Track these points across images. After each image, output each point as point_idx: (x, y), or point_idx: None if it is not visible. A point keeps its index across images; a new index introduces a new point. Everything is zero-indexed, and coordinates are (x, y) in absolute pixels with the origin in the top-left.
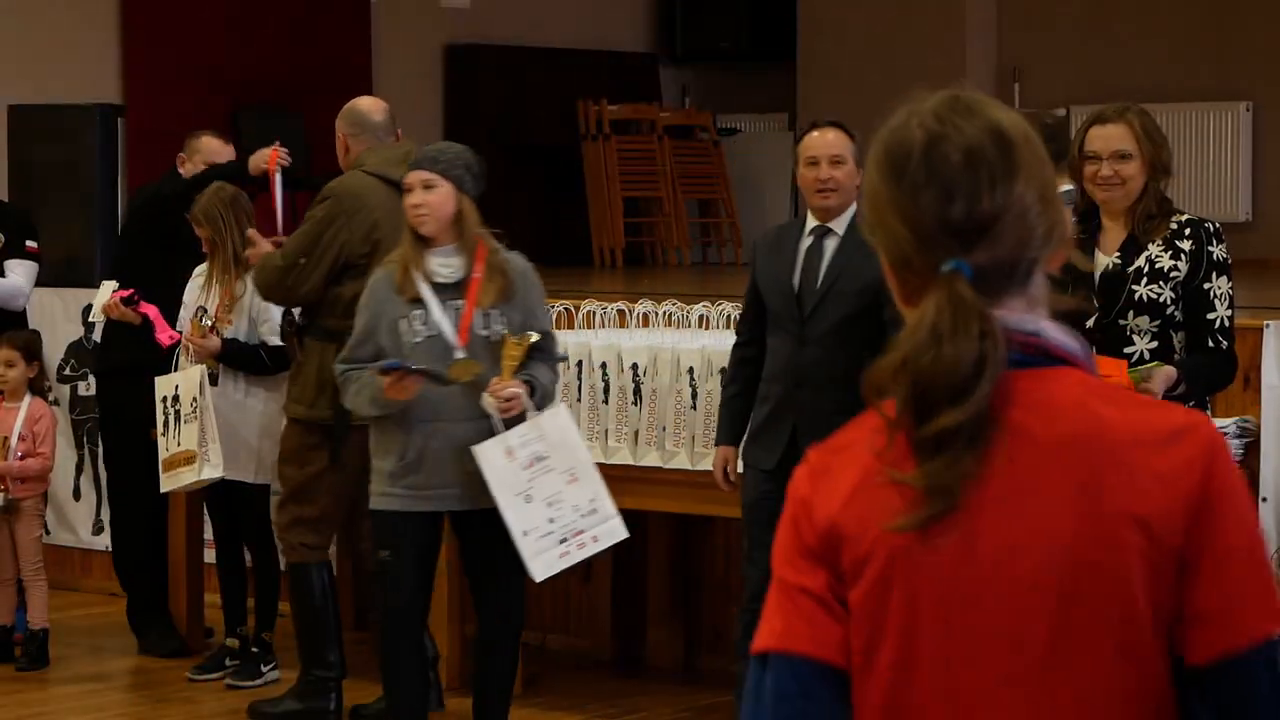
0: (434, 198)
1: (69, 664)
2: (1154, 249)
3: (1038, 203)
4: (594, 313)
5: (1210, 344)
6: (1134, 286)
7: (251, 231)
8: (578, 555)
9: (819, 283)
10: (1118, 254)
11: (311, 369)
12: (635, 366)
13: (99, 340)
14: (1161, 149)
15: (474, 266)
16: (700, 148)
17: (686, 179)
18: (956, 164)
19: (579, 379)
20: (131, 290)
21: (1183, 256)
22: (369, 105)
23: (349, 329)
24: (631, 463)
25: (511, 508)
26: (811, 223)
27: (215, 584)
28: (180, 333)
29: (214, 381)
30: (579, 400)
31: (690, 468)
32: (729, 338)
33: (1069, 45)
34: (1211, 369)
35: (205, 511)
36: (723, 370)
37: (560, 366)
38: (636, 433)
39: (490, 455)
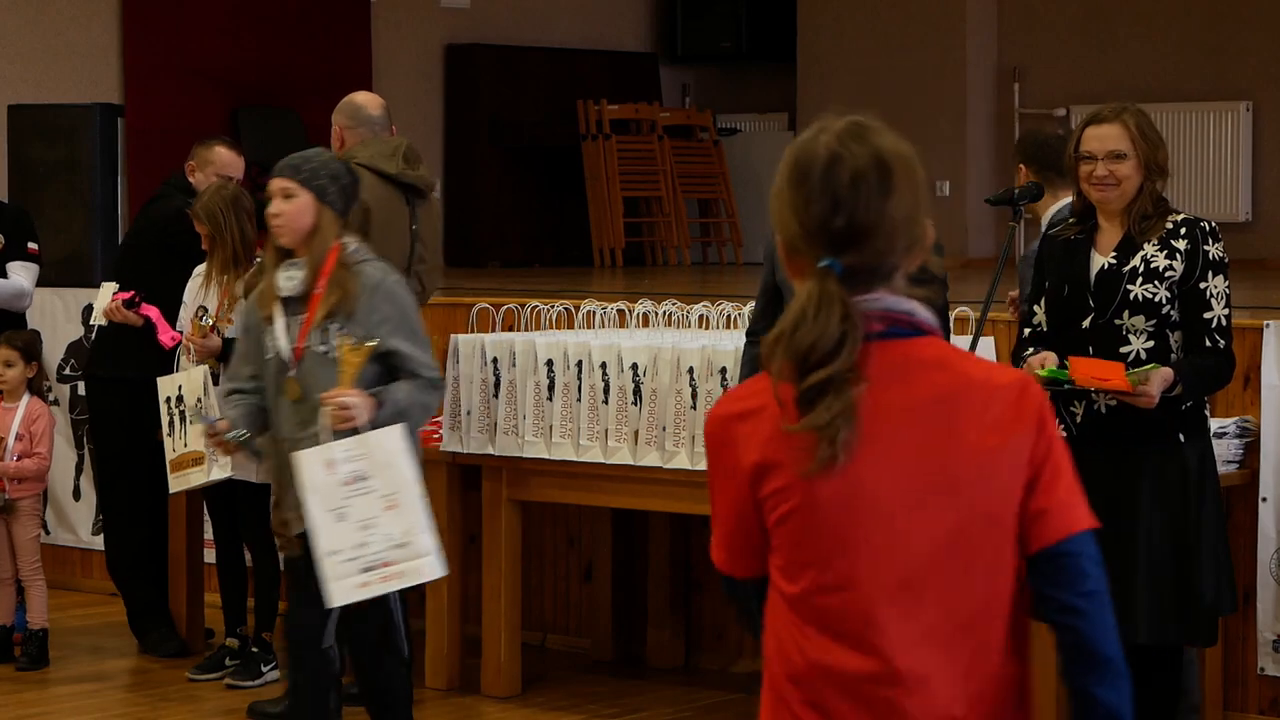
0: (291, 208)
1: (69, 664)
2: (1149, 248)
3: (904, 220)
4: (594, 313)
5: (1208, 344)
6: (1129, 286)
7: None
8: (380, 588)
9: None
10: (1113, 254)
11: None
12: (635, 366)
13: (89, 344)
14: (1157, 149)
15: (317, 280)
16: (700, 148)
17: (686, 179)
18: (845, 183)
19: (579, 379)
20: (132, 293)
21: (1178, 256)
22: (366, 99)
23: None
24: (631, 463)
25: (322, 524)
26: None
27: (215, 584)
28: (181, 333)
29: (215, 381)
30: (579, 400)
31: (690, 468)
32: (729, 338)
33: (1069, 45)
34: (1209, 369)
35: (205, 511)
36: (723, 370)
37: (435, 393)
38: (636, 433)
39: (309, 464)
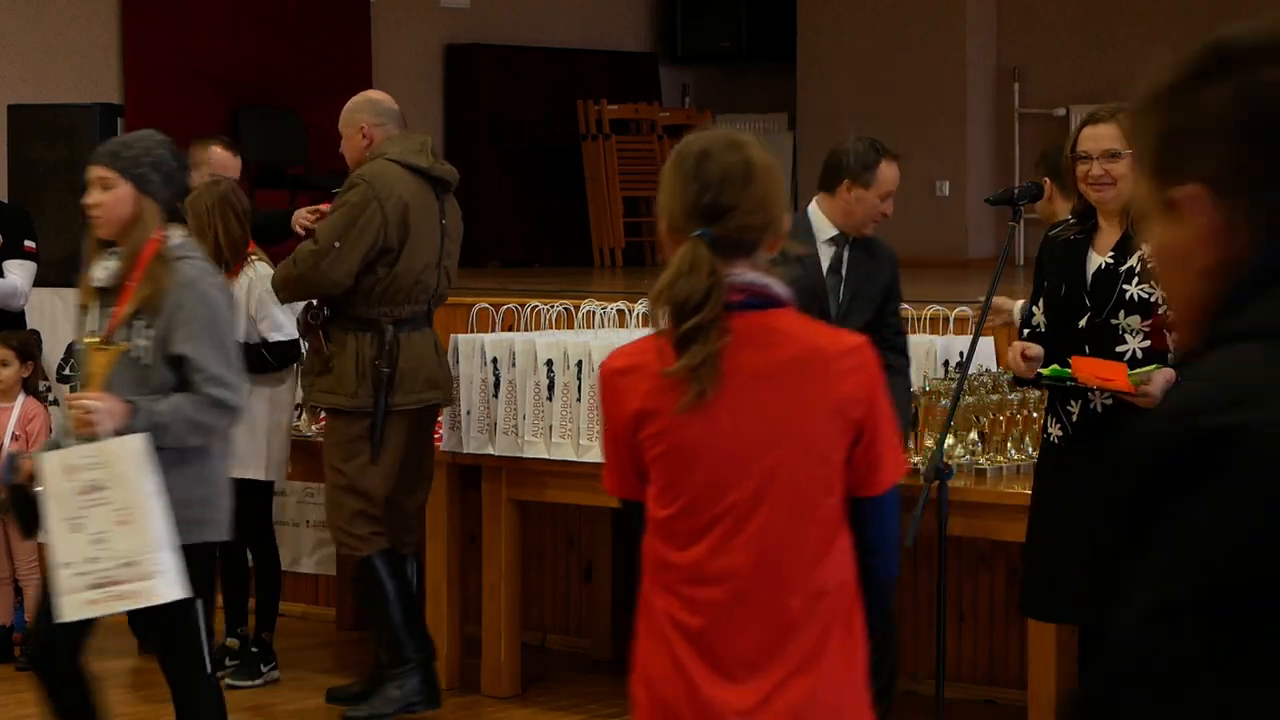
0: (109, 198)
1: None
2: (1147, 249)
3: (760, 204)
4: (594, 313)
5: None
6: (1125, 286)
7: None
8: (111, 607)
9: (842, 288)
10: (1111, 253)
11: (348, 358)
12: None
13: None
14: None
15: (131, 273)
16: None
17: None
18: (714, 172)
19: (579, 379)
20: None
21: None
22: (383, 96)
23: (383, 316)
24: None
25: (58, 533)
26: (829, 232)
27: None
28: None
29: None
30: (579, 400)
31: None
32: None
33: (1069, 45)
34: None
35: None
36: None
37: (216, 412)
38: None
39: (50, 468)
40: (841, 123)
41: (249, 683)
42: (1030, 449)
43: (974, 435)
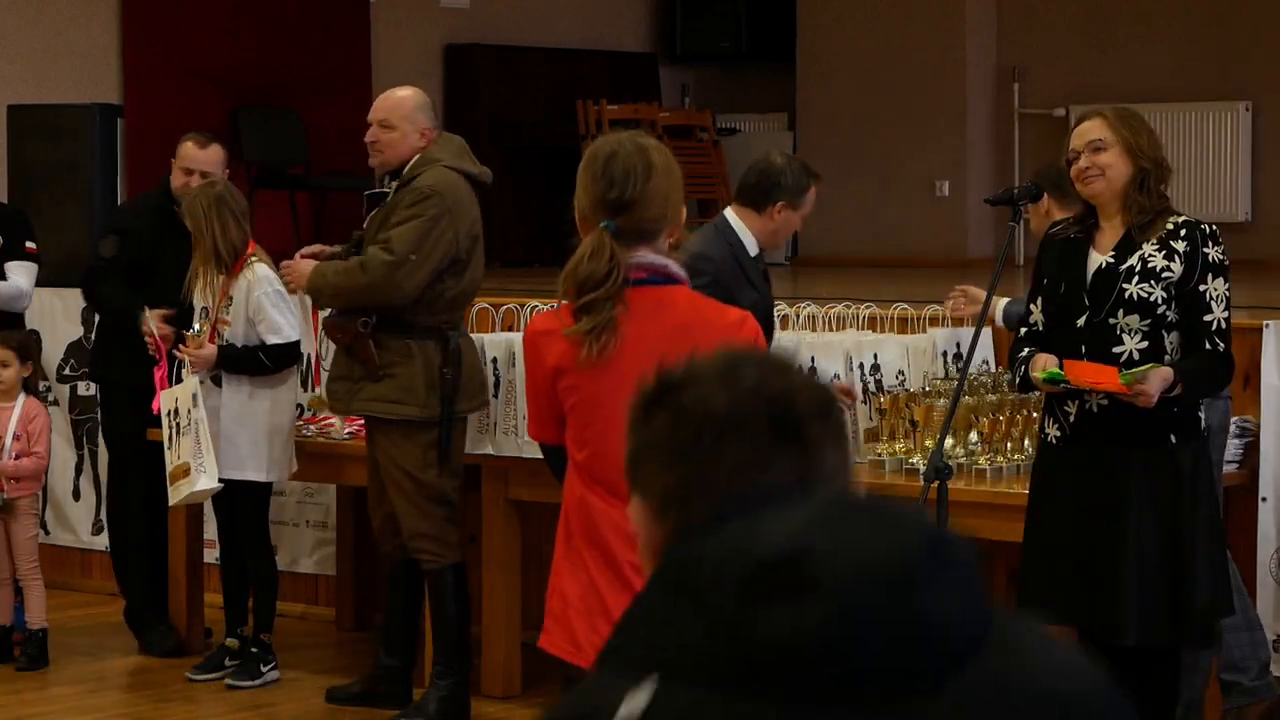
0: None
1: (69, 664)
2: (1148, 248)
3: (659, 200)
4: None
5: (1207, 346)
6: (1124, 285)
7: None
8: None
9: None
10: (1112, 253)
11: (417, 368)
12: None
13: (95, 345)
14: (1140, 134)
15: None
16: (700, 148)
17: (686, 179)
18: (620, 171)
19: None
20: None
21: (1177, 258)
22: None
23: (451, 324)
24: None
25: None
26: (755, 249)
27: (215, 584)
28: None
29: (218, 383)
30: None
31: None
32: None
33: (1069, 46)
34: (1208, 371)
35: (204, 512)
36: None
37: None
38: None
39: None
40: (842, 123)
41: (249, 683)
42: (1030, 449)
43: (974, 435)
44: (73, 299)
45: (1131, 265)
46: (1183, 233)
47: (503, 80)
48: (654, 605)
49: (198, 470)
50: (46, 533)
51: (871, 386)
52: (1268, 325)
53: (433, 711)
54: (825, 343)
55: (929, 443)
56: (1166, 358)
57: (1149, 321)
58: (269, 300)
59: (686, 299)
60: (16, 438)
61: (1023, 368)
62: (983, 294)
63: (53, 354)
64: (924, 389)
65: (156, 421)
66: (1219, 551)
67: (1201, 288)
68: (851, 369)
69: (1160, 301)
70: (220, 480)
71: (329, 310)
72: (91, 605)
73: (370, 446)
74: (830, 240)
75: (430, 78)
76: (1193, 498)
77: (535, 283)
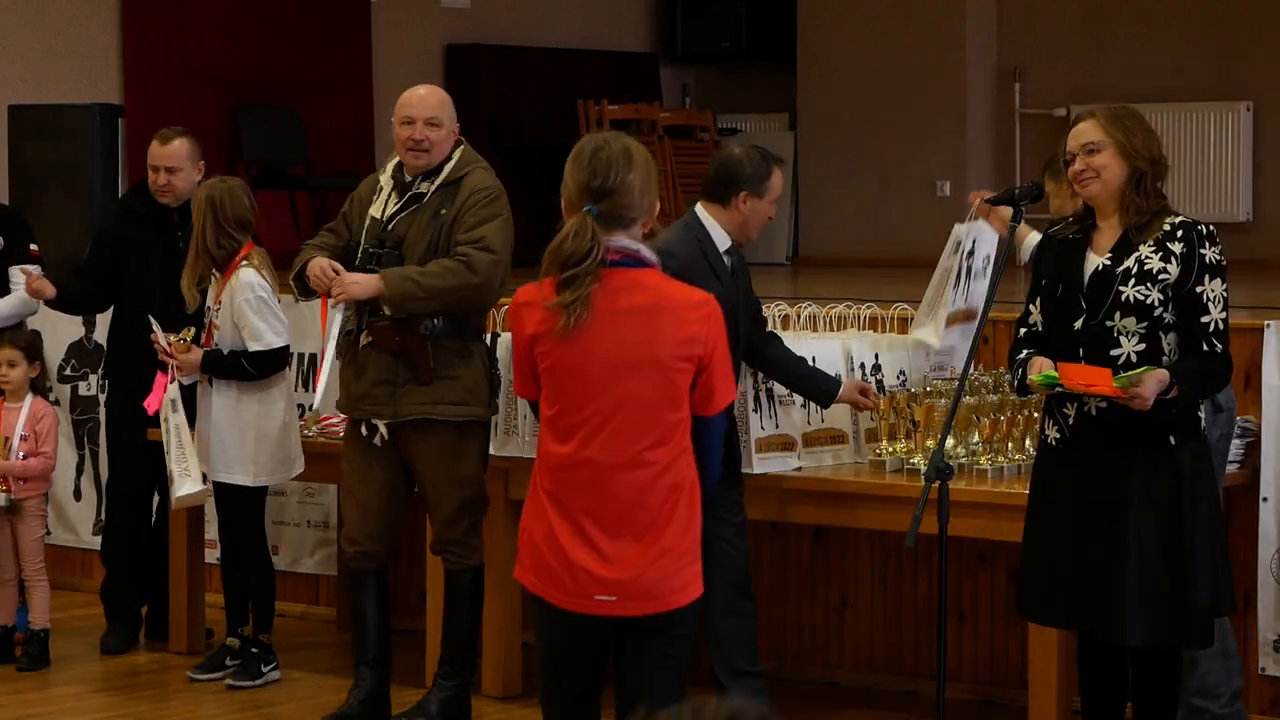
0: None
1: (69, 664)
2: (1144, 250)
3: (637, 190)
4: None
5: (1205, 347)
6: (1121, 288)
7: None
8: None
9: (745, 298)
10: (1109, 255)
11: (477, 369)
12: None
13: (105, 346)
14: (1134, 134)
15: None
16: (700, 148)
17: (686, 179)
18: (603, 163)
19: None
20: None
21: (1173, 259)
22: None
23: (485, 324)
24: None
25: None
26: (726, 243)
27: (216, 584)
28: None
29: (210, 386)
30: None
31: None
32: None
33: (1069, 46)
34: (1205, 372)
35: (206, 512)
36: None
37: None
38: None
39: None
40: (842, 123)
41: (249, 683)
42: (1030, 449)
43: (974, 435)
44: None
45: (1128, 267)
46: (1179, 234)
47: (503, 80)
48: None
49: (182, 475)
50: (48, 533)
51: (872, 387)
52: (1268, 325)
53: (434, 713)
54: (825, 343)
55: (930, 443)
56: (1164, 359)
57: (1146, 324)
58: (251, 307)
59: (654, 280)
60: (24, 438)
61: (1020, 370)
62: (1007, 214)
63: (53, 354)
64: (924, 389)
65: (156, 421)
66: (1220, 552)
67: (1198, 289)
68: (852, 369)
69: (1157, 304)
70: (212, 482)
71: (380, 316)
72: (93, 605)
73: (399, 451)
74: (830, 240)
75: (430, 78)
76: (1193, 498)
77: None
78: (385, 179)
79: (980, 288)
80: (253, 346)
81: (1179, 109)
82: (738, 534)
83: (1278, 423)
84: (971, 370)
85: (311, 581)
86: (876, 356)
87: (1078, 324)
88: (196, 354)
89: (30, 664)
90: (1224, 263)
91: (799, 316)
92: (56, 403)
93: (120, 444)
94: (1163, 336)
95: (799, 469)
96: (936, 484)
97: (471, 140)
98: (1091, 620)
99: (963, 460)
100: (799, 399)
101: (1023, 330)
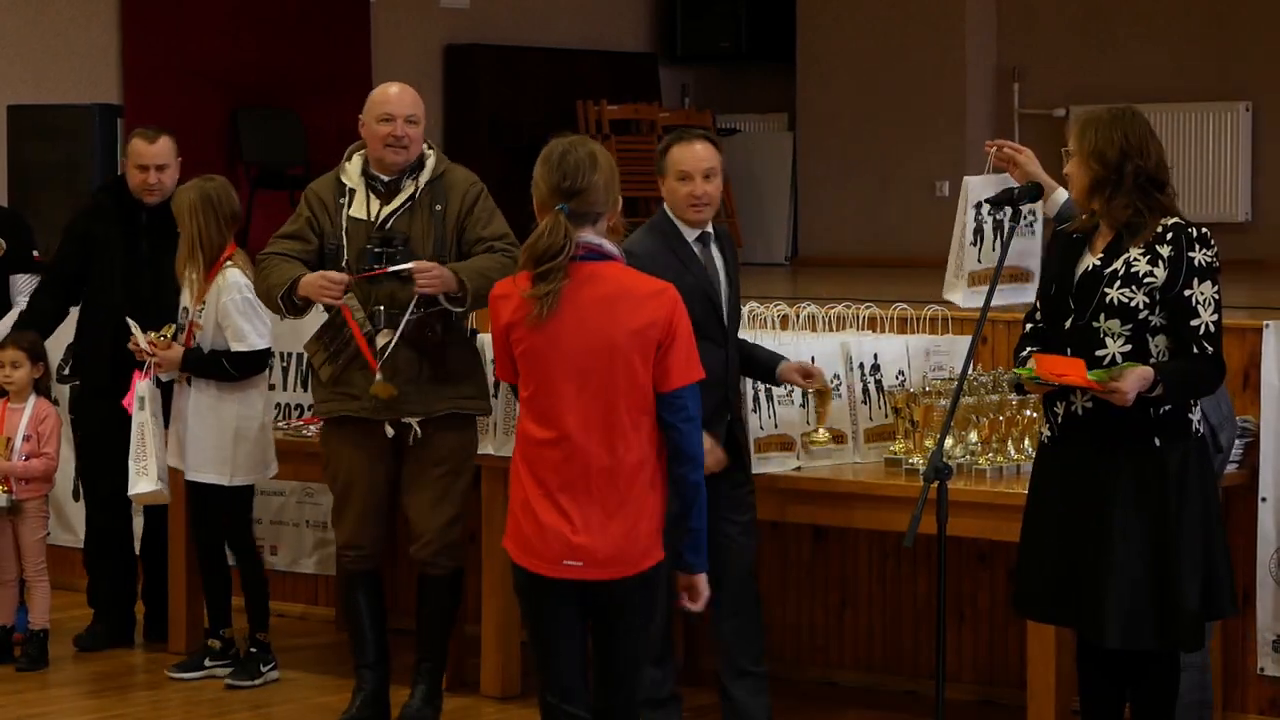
0: None
1: (69, 664)
2: (1134, 252)
3: (602, 189)
4: None
5: (1195, 350)
6: (1106, 289)
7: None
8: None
9: (727, 289)
10: (1100, 255)
11: (483, 366)
12: None
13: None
14: (1102, 139)
15: None
16: None
17: None
18: (571, 165)
19: None
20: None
21: (1160, 263)
22: None
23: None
24: None
25: None
26: (693, 233)
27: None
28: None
29: (189, 384)
30: None
31: None
32: None
33: (1069, 46)
34: (1192, 373)
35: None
36: None
37: None
38: None
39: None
40: (842, 123)
41: (249, 683)
42: (1029, 449)
43: (973, 435)
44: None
45: (1115, 269)
46: (1169, 236)
47: (503, 80)
48: None
49: (138, 474)
50: (48, 533)
51: (871, 387)
52: (1268, 325)
53: (439, 706)
54: (825, 342)
55: (929, 443)
56: (1151, 360)
57: (1130, 326)
58: (237, 307)
59: (615, 272)
60: (26, 439)
61: (1020, 365)
62: (1034, 163)
63: (52, 355)
64: (924, 389)
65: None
66: (1219, 554)
67: (1187, 293)
68: (851, 369)
69: (1142, 306)
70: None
71: (407, 312)
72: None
73: (420, 449)
74: (830, 240)
75: (430, 78)
76: (1179, 500)
77: None
78: (353, 180)
79: (1021, 246)
80: (236, 347)
81: (1179, 109)
82: (744, 533)
83: (1277, 423)
84: (970, 370)
85: (310, 581)
86: (875, 356)
87: (1067, 324)
88: (177, 350)
89: (29, 664)
90: (1217, 265)
91: (798, 316)
92: (56, 403)
93: (91, 445)
94: (1149, 339)
95: (798, 469)
96: (935, 484)
97: (471, 140)
98: (1077, 619)
99: (961, 460)
100: (798, 399)
101: (1029, 325)
